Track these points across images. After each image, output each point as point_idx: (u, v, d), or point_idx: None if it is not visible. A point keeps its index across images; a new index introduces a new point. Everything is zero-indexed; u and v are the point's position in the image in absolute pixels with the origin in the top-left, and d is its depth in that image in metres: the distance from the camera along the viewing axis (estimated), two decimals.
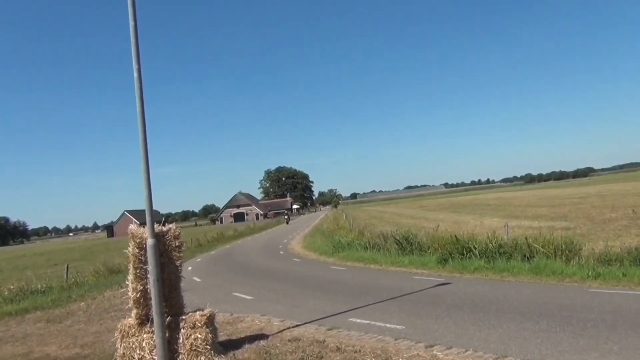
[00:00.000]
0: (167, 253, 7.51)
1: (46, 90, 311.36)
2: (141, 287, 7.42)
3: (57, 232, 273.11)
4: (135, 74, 7.24)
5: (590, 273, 11.56)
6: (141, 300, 7.44)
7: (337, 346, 7.47)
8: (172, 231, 7.60)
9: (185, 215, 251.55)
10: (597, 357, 6.11)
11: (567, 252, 13.35)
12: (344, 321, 9.25)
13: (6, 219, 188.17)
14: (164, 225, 7.70)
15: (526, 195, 73.28)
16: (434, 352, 6.86)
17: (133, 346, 7.51)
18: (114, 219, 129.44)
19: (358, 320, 9.17)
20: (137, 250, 7.40)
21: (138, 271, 7.43)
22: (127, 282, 7.64)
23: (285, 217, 79.47)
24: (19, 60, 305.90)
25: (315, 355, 7.10)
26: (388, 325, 8.64)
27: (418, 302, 10.39)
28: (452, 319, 8.77)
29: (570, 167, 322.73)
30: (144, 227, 7.50)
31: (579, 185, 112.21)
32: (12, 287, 18.08)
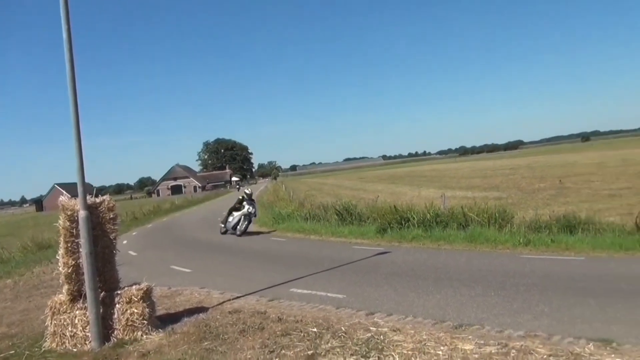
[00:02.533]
0: (100, 226, 7.16)
1: None
2: (73, 262, 7.06)
3: None
4: (65, 35, 6.75)
5: (521, 240, 12.07)
6: (73, 276, 7.09)
7: (278, 317, 7.42)
8: (106, 203, 7.25)
9: (120, 188, 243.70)
10: (529, 319, 6.38)
11: (500, 220, 13.87)
12: (285, 292, 9.22)
13: None
14: (96, 197, 7.33)
15: (460, 167, 75.70)
16: (375, 319, 6.94)
17: (65, 323, 7.17)
18: (43, 193, 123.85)
19: (299, 291, 9.17)
20: (68, 223, 7.02)
21: (69, 245, 7.06)
22: (57, 257, 7.26)
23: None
24: None
25: (256, 327, 7.03)
26: (329, 294, 8.68)
27: (358, 271, 10.51)
28: (391, 286, 8.91)
29: (501, 140, 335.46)
30: (76, 199, 7.12)
31: (509, 157, 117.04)
32: None
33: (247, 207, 19.55)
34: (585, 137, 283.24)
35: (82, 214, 6.81)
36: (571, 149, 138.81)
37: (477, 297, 7.67)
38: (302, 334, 6.51)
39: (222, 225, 20.56)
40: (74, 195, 7.60)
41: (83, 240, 6.84)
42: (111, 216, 7.23)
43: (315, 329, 6.63)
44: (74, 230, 6.97)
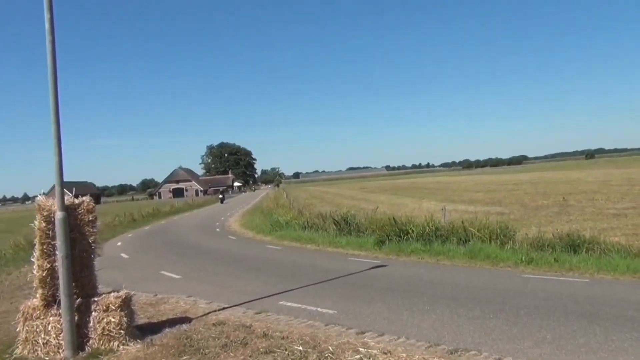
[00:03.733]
0: (78, 228, 6.78)
1: None
2: (48, 265, 6.69)
3: None
4: (47, 25, 6.40)
5: (523, 258, 11.63)
6: (48, 280, 6.71)
7: (264, 332, 7.01)
8: (85, 204, 6.88)
9: (123, 189, 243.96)
10: (530, 346, 5.94)
11: (501, 236, 13.43)
12: (274, 304, 8.80)
13: None
14: (76, 197, 6.96)
15: (463, 180, 75.17)
16: (365, 339, 6.52)
17: (37, 330, 6.78)
18: (46, 190, 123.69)
19: (289, 304, 8.75)
20: (44, 224, 6.65)
21: (45, 247, 6.69)
22: (32, 260, 6.88)
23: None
24: None
25: (239, 342, 6.61)
26: (319, 309, 8.26)
27: (352, 285, 10.08)
28: (385, 303, 8.49)
29: (505, 155, 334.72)
30: (54, 198, 6.74)
31: (513, 172, 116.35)
32: None
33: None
34: (589, 154, 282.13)
35: (59, 215, 6.43)
36: (575, 165, 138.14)
37: (475, 319, 7.23)
38: (287, 352, 6.09)
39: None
40: (75, 194, 7.26)
41: (59, 242, 6.47)
42: (90, 218, 6.85)
43: (301, 347, 6.21)
44: (51, 232, 6.60)
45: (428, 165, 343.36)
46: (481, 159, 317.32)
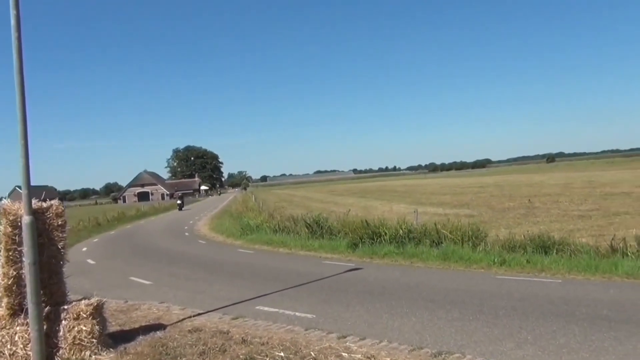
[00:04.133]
0: (47, 233, 6.47)
1: None
2: (14, 272, 6.35)
3: None
4: (13, 21, 6.10)
5: (496, 259, 11.74)
6: (14, 288, 6.37)
7: (242, 338, 6.83)
8: (54, 208, 6.57)
9: (85, 193, 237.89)
10: (513, 348, 5.94)
11: (473, 238, 13.54)
12: (250, 309, 8.61)
13: None
14: (44, 201, 6.65)
15: (430, 183, 76.08)
16: (347, 343, 6.40)
17: (3, 340, 6.43)
18: (5, 195, 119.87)
19: (265, 309, 8.58)
20: (10, 229, 6.31)
21: (11, 253, 6.35)
22: None
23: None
24: None
25: (218, 349, 6.42)
26: (297, 313, 8.12)
27: (329, 289, 9.98)
28: (364, 306, 8.40)
29: (469, 158, 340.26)
30: (20, 203, 6.43)
31: (478, 175, 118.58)
32: None
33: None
34: (550, 157, 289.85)
35: (26, 219, 6.11)
36: (537, 169, 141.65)
37: (454, 321, 7.21)
38: (268, 359, 5.93)
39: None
40: (39, 198, 6.92)
41: (26, 248, 6.14)
42: (59, 223, 6.54)
43: (282, 353, 6.06)
44: (17, 238, 6.27)
45: (395, 169, 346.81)
46: (446, 162, 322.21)
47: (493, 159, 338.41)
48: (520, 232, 14.20)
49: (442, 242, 13.70)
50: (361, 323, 7.42)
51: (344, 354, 5.97)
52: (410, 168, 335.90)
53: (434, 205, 30.88)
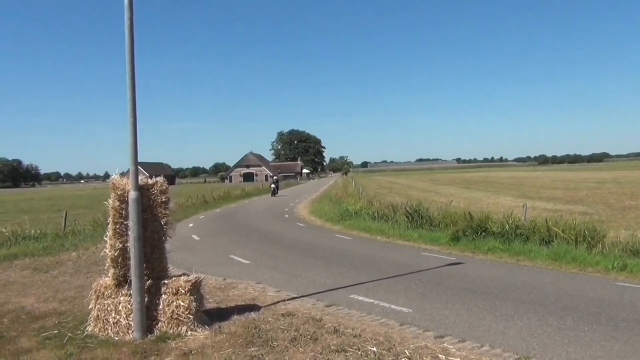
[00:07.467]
0: (151, 209, 6.66)
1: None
2: (120, 245, 6.62)
3: (68, 178, 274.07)
4: (127, 22, 6.32)
5: (615, 264, 10.61)
6: (119, 260, 6.64)
7: (334, 327, 6.64)
8: (159, 185, 6.74)
9: (196, 172, 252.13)
10: None
11: (589, 238, 12.38)
12: (344, 297, 8.42)
13: (19, 162, 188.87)
14: (150, 178, 6.84)
15: (539, 176, 71.91)
16: (445, 344, 5.99)
17: (108, 309, 6.74)
18: (124, 170, 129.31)
19: (360, 298, 8.34)
20: (117, 203, 6.57)
21: (118, 227, 6.62)
22: (105, 239, 6.84)
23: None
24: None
25: (309, 336, 6.28)
26: (393, 306, 7.80)
27: (427, 282, 9.54)
28: (464, 305, 7.90)
29: (585, 151, 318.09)
30: (128, 178, 6.65)
31: (593, 169, 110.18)
32: (5, 230, 17.46)
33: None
34: None
35: (132, 194, 6.32)
36: None
37: (567, 330, 6.53)
38: (360, 353, 5.69)
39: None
40: (151, 174, 7.24)
41: (132, 223, 6.37)
42: (163, 199, 6.71)
43: (374, 348, 5.79)
44: (124, 212, 6.51)
45: (501, 159, 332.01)
46: (558, 155, 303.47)
47: (612, 152, 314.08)
48: None
49: (552, 241, 12.68)
50: (461, 323, 6.95)
51: (440, 355, 5.58)
52: (518, 160, 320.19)
53: (544, 200, 28.97)
